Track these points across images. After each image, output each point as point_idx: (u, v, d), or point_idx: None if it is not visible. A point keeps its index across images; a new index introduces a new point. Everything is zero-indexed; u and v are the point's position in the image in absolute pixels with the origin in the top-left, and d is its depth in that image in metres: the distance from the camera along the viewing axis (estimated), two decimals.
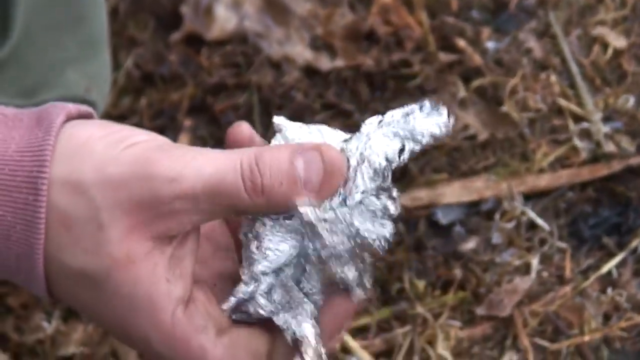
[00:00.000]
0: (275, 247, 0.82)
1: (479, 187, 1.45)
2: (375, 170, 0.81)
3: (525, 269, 1.39)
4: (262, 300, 0.82)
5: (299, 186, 0.81)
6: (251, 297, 0.82)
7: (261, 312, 0.82)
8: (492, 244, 1.41)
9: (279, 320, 0.82)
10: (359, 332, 1.35)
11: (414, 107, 0.84)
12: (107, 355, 1.32)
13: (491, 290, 1.37)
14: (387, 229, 0.81)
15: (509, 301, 1.35)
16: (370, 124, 0.83)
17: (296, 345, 0.81)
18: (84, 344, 1.32)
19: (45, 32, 1.23)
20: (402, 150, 0.83)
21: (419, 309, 1.34)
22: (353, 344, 1.32)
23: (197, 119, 1.53)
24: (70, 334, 1.33)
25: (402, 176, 1.46)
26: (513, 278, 1.38)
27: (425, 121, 0.84)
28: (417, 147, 0.83)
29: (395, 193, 0.82)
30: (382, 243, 0.82)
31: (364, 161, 0.82)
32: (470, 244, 1.40)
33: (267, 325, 0.85)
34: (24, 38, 1.19)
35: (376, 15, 1.56)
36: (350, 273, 0.81)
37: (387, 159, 0.82)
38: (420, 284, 1.36)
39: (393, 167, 0.83)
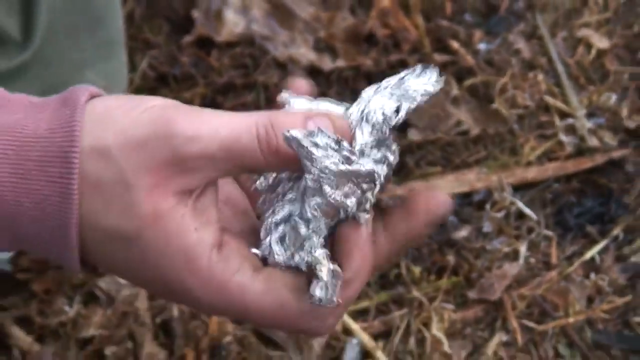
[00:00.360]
0: (285, 201, 0.83)
1: (471, 179, 1.45)
2: (373, 126, 0.82)
3: (514, 255, 1.39)
4: (276, 248, 0.82)
5: None
6: (269, 248, 0.82)
7: (278, 259, 0.82)
8: (483, 232, 1.41)
9: (295, 261, 0.82)
10: (359, 315, 1.35)
11: (407, 71, 0.85)
12: (125, 337, 1.32)
13: (482, 276, 1.37)
14: (383, 169, 0.82)
15: (498, 285, 1.36)
16: (369, 90, 0.83)
17: (311, 270, 0.80)
18: (103, 326, 1.32)
19: (66, 35, 1.24)
20: (398, 108, 0.83)
21: (415, 293, 1.34)
22: (354, 325, 1.32)
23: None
24: (90, 317, 1.32)
25: (400, 169, 1.46)
26: (502, 264, 1.38)
27: (418, 81, 0.84)
28: (413, 105, 0.83)
29: (394, 146, 0.82)
30: (377, 177, 0.82)
31: (363, 119, 0.82)
32: (462, 233, 1.41)
33: None
34: (46, 41, 1.20)
35: (375, 18, 1.55)
36: (349, 200, 0.80)
37: (384, 115, 0.82)
38: (416, 270, 1.36)
39: (392, 124, 0.83)
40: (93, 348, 1.32)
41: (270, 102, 1.52)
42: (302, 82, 0.89)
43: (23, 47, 1.19)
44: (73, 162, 0.79)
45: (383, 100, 0.83)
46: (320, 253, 0.81)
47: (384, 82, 0.85)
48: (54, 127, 0.81)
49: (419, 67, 0.86)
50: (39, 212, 0.81)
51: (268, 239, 0.83)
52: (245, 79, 1.54)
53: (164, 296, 0.87)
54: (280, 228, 0.83)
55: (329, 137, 0.80)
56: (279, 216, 0.83)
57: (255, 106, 1.52)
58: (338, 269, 0.80)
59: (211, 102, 1.54)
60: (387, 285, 1.36)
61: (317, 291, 0.80)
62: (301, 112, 0.83)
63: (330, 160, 0.80)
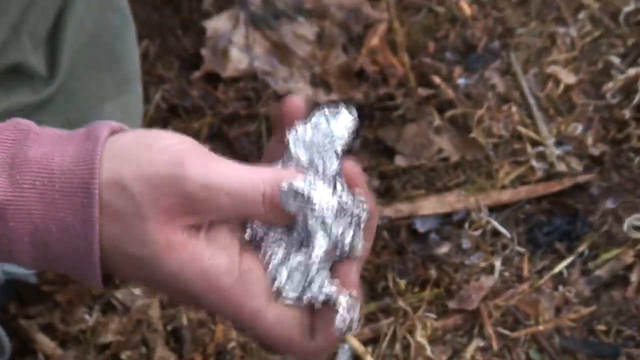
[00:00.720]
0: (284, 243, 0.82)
1: (451, 201, 1.44)
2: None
3: (490, 269, 1.38)
4: (287, 287, 0.81)
5: None
6: (279, 289, 0.81)
7: (290, 297, 0.81)
8: (462, 249, 1.40)
9: (307, 298, 0.81)
10: None
11: (319, 115, 0.83)
12: (139, 343, 1.32)
13: (461, 288, 1.36)
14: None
15: (476, 296, 1.35)
16: (292, 143, 0.82)
17: (327, 304, 0.79)
18: (119, 333, 1.32)
19: (87, 71, 1.24)
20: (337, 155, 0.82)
21: (401, 303, 1.34)
22: None
23: (215, 144, 1.50)
24: (108, 325, 1.32)
25: (387, 192, 1.46)
26: (479, 277, 1.37)
27: (335, 125, 0.83)
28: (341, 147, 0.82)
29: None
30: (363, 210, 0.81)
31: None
32: (443, 249, 1.40)
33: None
34: (69, 76, 1.20)
35: (365, 56, 1.55)
36: (347, 235, 0.80)
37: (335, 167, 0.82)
38: (402, 282, 1.37)
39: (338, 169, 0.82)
40: (110, 352, 1.32)
41: (270, 131, 1.51)
42: (296, 101, 0.87)
43: (48, 82, 1.19)
44: (93, 193, 0.80)
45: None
46: (334, 289, 0.80)
47: (300, 131, 0.83)
48: (78, 160, 0.80)
49: (328, 110, 0.83)
50: (65, 236, 0.81)
51: (277, 281, 0.81)
52: (248, 110, 1.53)
53: (184, 304, 0.87)
54: (285, 270, 0.82)
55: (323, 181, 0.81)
56: (281, 258, 0.82)
57: (257, 135, 1.52)
58: (354, 292, 0.80)
59: (218, 131, 1.53)
60: (375, 296, 1.36)
61: (341, 324, 0.79)
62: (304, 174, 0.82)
63: (328, 199, 0.80)
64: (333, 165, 0.82)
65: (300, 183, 0.80)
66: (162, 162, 0.80)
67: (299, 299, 0.80)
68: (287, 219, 0.81)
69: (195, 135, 1.52)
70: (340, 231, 0.80)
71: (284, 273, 0.81)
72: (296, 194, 0.80)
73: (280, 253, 0.82)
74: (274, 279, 0.81)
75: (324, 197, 0.80)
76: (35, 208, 0.80)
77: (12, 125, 0.83)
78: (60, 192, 0.80)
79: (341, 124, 0.84)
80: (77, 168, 0.80)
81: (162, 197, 0.79)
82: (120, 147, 0.81)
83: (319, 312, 0.83)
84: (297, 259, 0.81)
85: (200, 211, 0.80)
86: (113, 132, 0.83)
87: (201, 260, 0.81)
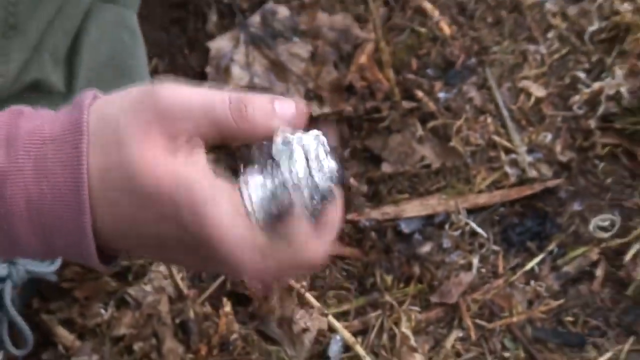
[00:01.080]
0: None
1: (433, 204, 1.44)
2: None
3: (468, 266, 1.38)
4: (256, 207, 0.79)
5: (276, 117, 0.80)
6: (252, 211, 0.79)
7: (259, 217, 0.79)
8: (443, 248, 1.40)
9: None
10: (342, 316, 1.35)
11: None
12: (150, 335, 1.31)
13: (442, 283, 1.36)
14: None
15: (455, 291, 1.35)
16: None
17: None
18: (132, 326, 1.32)
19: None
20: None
21: (387, 298, 1.34)
22: (337, 324, 1.32)
23: (218, 153, 1.47)
24: (122, 319, 1.33)
25: (374, 196, 1.46)
26: (459, 273, 1.37)
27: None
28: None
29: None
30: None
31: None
32: (426, 248, 1.40)
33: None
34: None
35: (354, 72, 1.55)
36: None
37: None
38: (388, 279, 1.37)
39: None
40: (124, 344, 1.32)
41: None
42: (290, 102, 0.84)
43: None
44: (82, 150, 0.79)
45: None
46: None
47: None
48: (65, 126, 0.80)
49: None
50: (57, 196, 0.79)
51: (248, 202, 0.79)
52: None
53: (168, 252, 0.84)
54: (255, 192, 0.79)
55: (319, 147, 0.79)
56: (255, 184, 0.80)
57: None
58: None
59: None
60: (364, 291, 1.37)
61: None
62: (269, 95, 0.81)
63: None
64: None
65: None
66: (134, 93, 0.79)
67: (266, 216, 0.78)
68: (261, 131, 0.80)
69: None
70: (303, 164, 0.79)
71: (254, 194, 0.79)
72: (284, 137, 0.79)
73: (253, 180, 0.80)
74: (247, 201, 0.79)
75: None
76: (29, 174, 0.79)
77: (8, 111, 0.82)
78: (51, 155, 0.79)
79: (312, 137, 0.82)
80: (66, 131, 0.80)
81: (138, 115, 0.79)
82: (99, 110, 0.80)
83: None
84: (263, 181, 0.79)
85: (174, 124, 0.79)
86: (96, 98, 0.82)
87: (177, 174, 0.79)
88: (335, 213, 0.83)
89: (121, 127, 0.79)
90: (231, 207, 0.79)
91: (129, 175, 0.79)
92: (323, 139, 0.82)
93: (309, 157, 0.80)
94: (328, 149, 0.81)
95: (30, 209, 0.80)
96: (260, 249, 0.80)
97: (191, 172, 0.79)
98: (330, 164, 0.81)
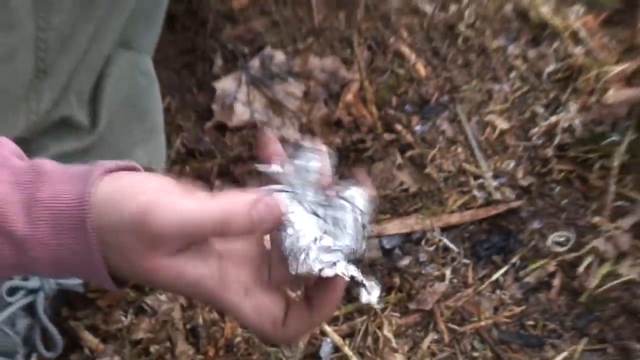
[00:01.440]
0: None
1: (411, 224, 1.43)
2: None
3: (442, 277, 1.37)
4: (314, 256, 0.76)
5: (257, 224, 0.78)
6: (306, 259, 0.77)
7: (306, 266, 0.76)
8: (420, 261, 1.39)
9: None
10: (332, 321, 1.33)
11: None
12: (164, 339, 1.31)
13: (419, 292, 1.35)
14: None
15: (431, 299, 1.34)
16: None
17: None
18: (149, 331, 1.32)
19: (121, 124, 1.23)
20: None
21: (372, 305, 1.32)
22: (327, 328, 1.31)
23: (223, 180, 1.49)
24: (140, 324, 1.32)
25: None
26: (433, 284, 1.36)
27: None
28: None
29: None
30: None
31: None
32: (405, 261, 1.39)
33: (284, 293, 0.83)
34: (107, 127, 1.20)
35: (342, 109, 1.54)
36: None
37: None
38: None
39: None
40: (142, 347, 1.31)
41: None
42: (270, 140, 0.85)
43: (91, 132, 1.19)
44: (90, 233, 0.79)
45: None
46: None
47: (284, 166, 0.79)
48: (75, 202, 0.79)
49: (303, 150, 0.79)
50: (76, 259, 0.80)
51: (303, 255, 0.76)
52: (250, 153, 1.52)
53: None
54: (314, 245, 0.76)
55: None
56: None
57: (258, 172, 1.46)
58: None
59: (226, 169, 1.51)
60: (351, 299, 1.35)
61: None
62: (247, 197, 0.78)
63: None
64: (310, 191, 0.80)
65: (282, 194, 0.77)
66: (128, 212, 0.77)
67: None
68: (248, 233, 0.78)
69: (209, 173, 1.50)
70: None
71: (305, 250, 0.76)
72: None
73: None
74: (292, 254, 0.76)
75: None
76: (49, 239, 0.79)
77: (30, 167, 0.82)
78: (66, 227, 0.79)
79: (314, 160, 0.82)
80: (75, 208, 0.79)
81: (136, 239, 0.78)
82: (104, 193, 0.79)
83: (294, 307, 0.82)
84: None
85: (169, 245, 0.78)
86: (108, 172, 0.81)
87: (187, 274, 0.79)
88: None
89: (124, 241, 0.78)
90: (241, 292, 0.80)
91: (144, 276, 0.79)
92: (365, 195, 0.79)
93: (357, 223, 0.78)
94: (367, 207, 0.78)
95: (53, 263, 0.81)
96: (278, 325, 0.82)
97: (201, 269, 0.79)
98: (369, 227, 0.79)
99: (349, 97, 1.56)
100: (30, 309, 1.28)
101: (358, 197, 0.79)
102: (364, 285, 0.76)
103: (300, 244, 0.77)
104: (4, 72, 1.02)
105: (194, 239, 0.79)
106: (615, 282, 1.33)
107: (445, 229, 1.43)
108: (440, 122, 1.52)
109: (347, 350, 1.30)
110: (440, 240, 1.41)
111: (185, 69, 1.63)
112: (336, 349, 1.31)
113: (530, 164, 1.48)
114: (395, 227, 1.43)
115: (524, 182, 1.46)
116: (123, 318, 1.34)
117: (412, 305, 1.35)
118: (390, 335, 1.30)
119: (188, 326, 1.33)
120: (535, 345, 1.31)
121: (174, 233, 0.77)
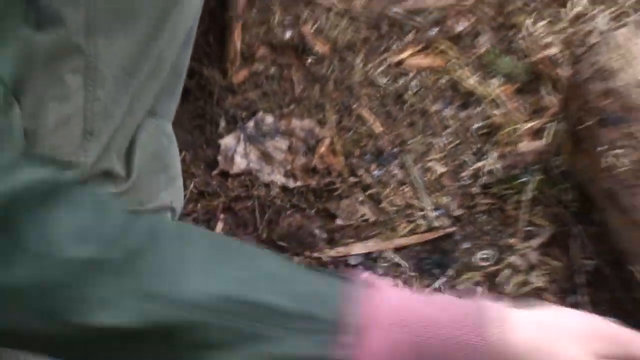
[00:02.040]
0: None
1: (370, 246, 1.45)
2: None
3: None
4: None
5: None
6: None
7: None
8: (378, 275, 1.37)
9: None
10: None
11: None
12: None
13: None
14: None
15: None
16: None
17: None
18: None
19: (149, 174, 1.18)
20: None
21: None
22: None
23: (227, 215, 1.48)
24: None
25: (330, 241, 1.45)
26: None
27: None
28: None
29: None
30: None
31: None
32: (366, 275, 1.30)
33: None
34: (138, 177, 1.15)
35: (317, 159, 1.54)
36: None
37: None
38: None
39: None
40: None
41: (260, 206, 1.49)
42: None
43: (126, 180, 1.13)
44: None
45: None
46: None
47: None
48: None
49: None
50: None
51: None
52: (247, 193, 1.51)
53: None
54: None
55: None
56: None
57: (252, 208, 1.48)
58: None
59: (228, 207, 1.49)
60: None
61: None
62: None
63: None
64: None
65: None
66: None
67: None
68: None
69: (215, 209, 1.49)
70: None
71: None
72: None
73: None
74: None
75: None
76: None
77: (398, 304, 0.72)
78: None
79: None
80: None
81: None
82: (518, 347, 0.69)
83: None
84: None
85: None
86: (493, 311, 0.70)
87: None
88: None
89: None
90: None
91: None
92: None
93: None
94: None
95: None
96: None
97: None
98: None
99: (323, 149, 1.56)
100: None
101: None
102: None
103: None
104: (60, 135, 0.98)
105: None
106: (527, 288, 1.35)
107: (397, 250, 1.44)
108: (393, 168, 1.53)
109: None
110: (393, 258, 1.43)
111: (196, 129, 1.60)
112: None
113: (462, 199, 1.48)
114: (358, 248, 1.45)
115: (457, 213, 1.47)
116: None
117: None
118: None
119: None
120: None
121: None
